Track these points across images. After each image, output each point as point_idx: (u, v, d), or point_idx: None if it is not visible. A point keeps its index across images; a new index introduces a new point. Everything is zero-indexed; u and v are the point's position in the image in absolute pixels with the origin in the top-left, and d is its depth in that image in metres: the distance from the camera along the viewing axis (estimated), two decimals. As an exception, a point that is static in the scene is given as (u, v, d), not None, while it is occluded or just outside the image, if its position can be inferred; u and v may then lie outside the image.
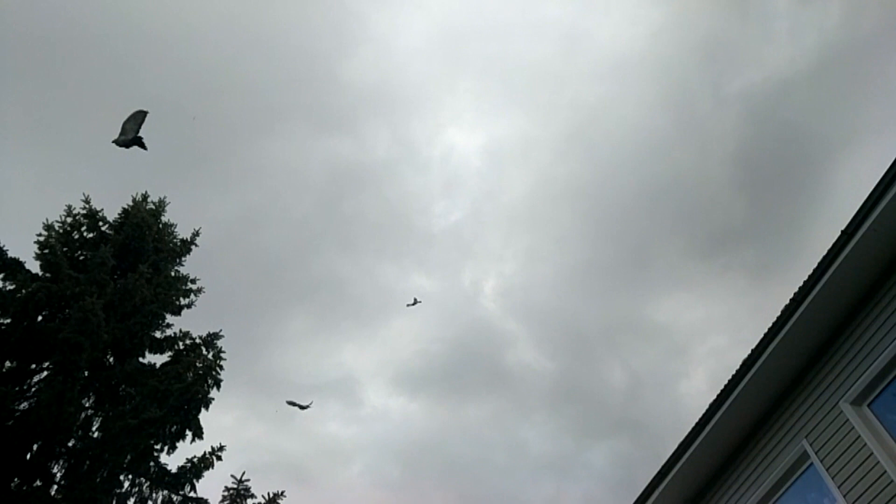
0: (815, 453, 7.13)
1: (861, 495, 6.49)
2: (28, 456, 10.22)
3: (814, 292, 6.72)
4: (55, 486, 10.22)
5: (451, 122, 42.66)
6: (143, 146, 9.05)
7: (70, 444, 10.64)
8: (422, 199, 41.07)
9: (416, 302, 14.44)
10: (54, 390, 9.87)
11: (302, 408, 12.09)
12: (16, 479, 10.05)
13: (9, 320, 11.18)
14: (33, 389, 10.95)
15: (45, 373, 11.03)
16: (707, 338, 35.40)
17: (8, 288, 11.64)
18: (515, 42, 39.42)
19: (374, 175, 39.07)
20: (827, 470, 6.95)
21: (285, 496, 11.32)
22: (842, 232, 6.40)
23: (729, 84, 33.68)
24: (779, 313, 7.10)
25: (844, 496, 6.68)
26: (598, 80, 38.10)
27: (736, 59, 33.42)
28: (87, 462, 10.20)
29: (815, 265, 6.71)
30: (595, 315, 37.85)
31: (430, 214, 40.85)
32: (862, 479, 6.51)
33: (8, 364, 11.02)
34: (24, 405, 10.56)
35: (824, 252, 6.61)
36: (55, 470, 10.45)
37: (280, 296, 35.33)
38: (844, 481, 6.71)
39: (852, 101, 28.14)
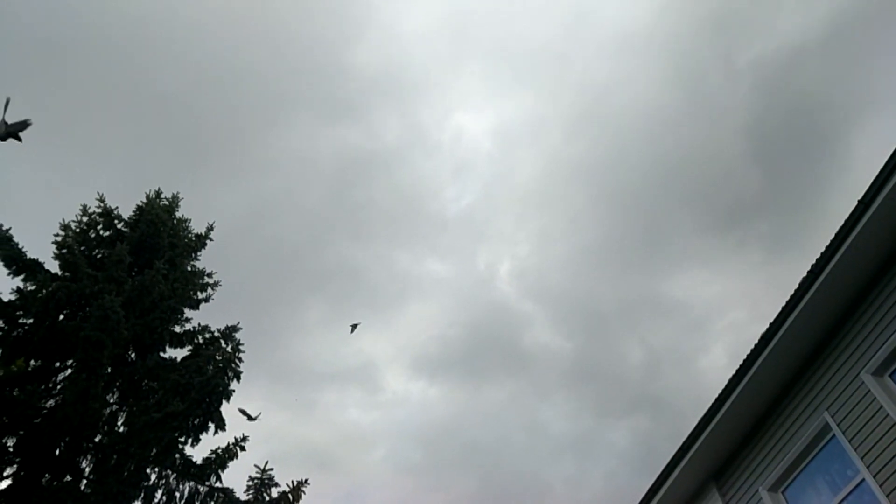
0: (837, 425, 7.10)
1: (884, 466, 6.47)
2: (57, 452, 10.42)
3: (831, 263, 6.67)
4: (84, 481, 10.41)
5: (459, 106, 42.35)
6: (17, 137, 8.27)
7: (97, 440, 10.82)
8: (433, 184, 40.94)
9: (355, 326, 14.47)
10: (78, 387, 10.03)
11: (250, 418, 12.22)
12: (46, 475, 10.26)
13: (31, 320, 11.36)
14: (58, 387, 11.14)
15: (69, 370, 11.20)
16: (725, 313, 35.17)
17: (29, 288, 11.82)
18: (521, 22, 38.98)
19: (384, 162, 38.99)
20: (849, 441, 6.93)
21: (309, 484, 11.49)
22: (858, 202, 6.33)
23: (740, 55, 33.12)
24: (796, 286, 7.05)
25: (867, 467, 6.66)
26: (606, 57, 37.64)
27: (746, 29, 32.83)
28: (115, 456, 10.37)
29: (832, 236, 6.65)
30: (611, 293, 37.72)
31: (441, 199, 40.74)
32: (885, 449, 6.48)
33: (33, 363, 11.21)
34: (51, 403, 10.76)
35: (841, 222, 6.54)
36: (84, 465, 10.63)
37: (295, 286, 35.51)
38: (867, 452, 6.69)
39: (867, 67, 27.60)
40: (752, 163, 32.29)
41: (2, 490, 9.85)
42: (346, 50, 36.86)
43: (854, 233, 6.41)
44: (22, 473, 10.09)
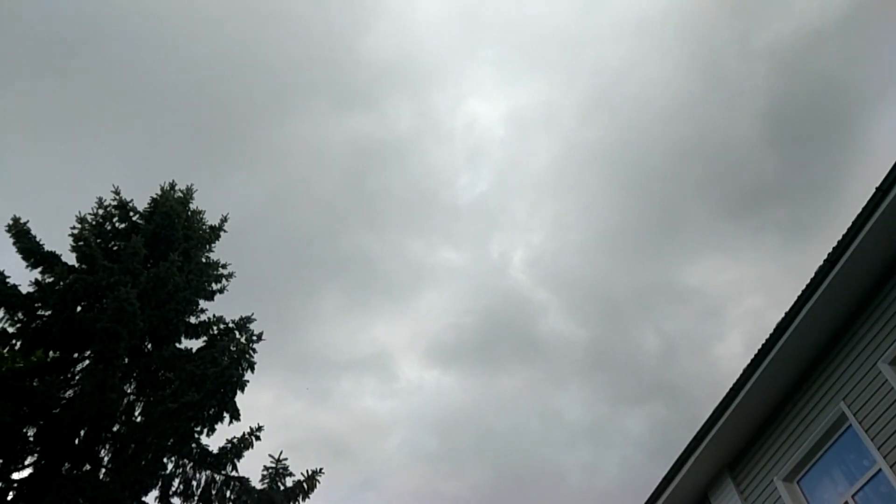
0: (854, 415, 7.03)
1: (902, 456, 6.40)
2: (76, 441, 10.59)
3: (849, 252, 6.57)
4: (103, 470, 10.58)
5: (471, 92, 42.13)
6: None
7: (115, 429, 10.97)
8: (446, 172, 40.85)
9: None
10: (96, 378, 10.15)
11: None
12: (66, 464, 10.43)
13: (49, 312, 11.52)
14: (77, 378, 11.29)
15: (87, 361, 11.35)
16: (742, 299, 34.91)
17: (47, 281, 11.97)
18: (533, 6, 38.63)
19: (397, 150, 38.95)
20: (866, 431, 6.85)
21: (323, 473, 11.56)
22: (876, 189, 6.22)
23: (756, 37, 32.60)
24: (813, 274, 6.96)
25: (884, 457, 6.59)
26: (620, 41, 37.25)
27: (763, 11, 32.29)
28: (132, 446, 10.50)
29: (849, 223, 6.54)
30: (626, 280, 37.52)
31: (454, 187, 40.65)
32: (902, 439, 6.40)
33: (51, 354, 11.37)
34: (69, 393, 10.91)
35: (859, 210, 6.43)
36: (102, 454, 10.80)
37: (310, 275, 35.69)
38: (884, 442, 6.61)
39: (888, 49, 27.05)
40: (768, 148, 31.90)
41: (23, 479, 10.04)
42: (357, 39, 36.79)
43: (871, 221, 6.31)
44: (42, 462, 10.26)
